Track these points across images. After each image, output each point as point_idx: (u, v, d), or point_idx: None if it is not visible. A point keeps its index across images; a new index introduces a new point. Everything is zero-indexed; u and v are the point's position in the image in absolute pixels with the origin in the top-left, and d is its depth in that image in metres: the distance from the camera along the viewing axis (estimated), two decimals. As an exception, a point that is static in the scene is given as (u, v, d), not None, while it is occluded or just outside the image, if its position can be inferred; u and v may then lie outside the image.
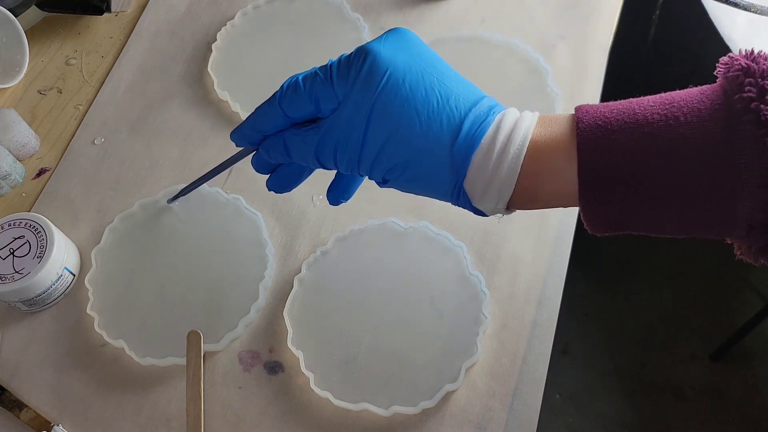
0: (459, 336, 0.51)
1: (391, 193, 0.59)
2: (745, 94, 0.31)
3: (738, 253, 0.35)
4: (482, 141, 0.35)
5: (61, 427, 0.51)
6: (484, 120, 0.35)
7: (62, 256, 0.55)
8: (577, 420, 1.21)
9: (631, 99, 0.35)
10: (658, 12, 0.91)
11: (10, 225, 0.55)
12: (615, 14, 0.67)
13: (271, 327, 0.54)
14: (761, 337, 1.23)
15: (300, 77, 0.39)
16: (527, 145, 0.35)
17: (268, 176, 0.45)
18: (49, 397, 0.53)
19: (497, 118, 0.36)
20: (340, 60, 0.38)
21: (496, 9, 0.69)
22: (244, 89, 0.66)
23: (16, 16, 0.68)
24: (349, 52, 0.38)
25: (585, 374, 1.24)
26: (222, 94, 0.66)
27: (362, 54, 0.37)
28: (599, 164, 0.33)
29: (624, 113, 0.34)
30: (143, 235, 0.59)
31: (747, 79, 0.31)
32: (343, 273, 0.55)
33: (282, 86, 0.40)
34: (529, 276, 0.54)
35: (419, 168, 0.37)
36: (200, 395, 0.51)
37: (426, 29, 0.68)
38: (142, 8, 0.74)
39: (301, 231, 0.58)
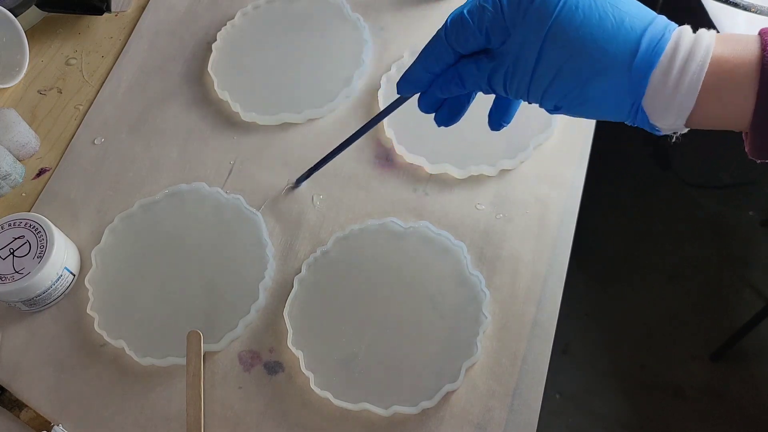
0: (459, 336, 0.51)
1: (391, 193, 0.59)
2: None
3: None
4: (661, 58, 0.35)
5: (61, 427, 0.51)
6: (661, 38, 0.35)
7: (62, 256, 0.55)
8: (577, 420, 1.21)
9: None
10: (658, 12, 0.91)
11: (10, 225, 0.55)
12: (615, 14, 0.67)
13: (271, 327, 0.54)
14: (761, 337, 1.23)
15: (464, 11, 0.39)
16: (709, 60, 0.35)
17: (432, 115, 0.47)
18: (49, 397, 0.53)
19: (674, 35, 0.36)
20: None
21: (496, 9, 0.69)
22: (244, 89, 0.66)
23: (16, 16, 0.68)
24: None
25: (585, 374, 1.24)
26: (222, 94, 0.66)
27: None
28: None
29: None
30: (143, 235, 0.59)
31: None
32: (343, 273, 0.55)
33: (446, 23, 0.40)
34: (529, 276, 0.54)
35: (595, 91, 0.37)
36: (200, 395, 0.51)
37: (426, 29, 0.68)
38: (142, 8, 0.74)
39: (301, 231, 0.58)
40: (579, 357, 1.26)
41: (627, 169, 1.43)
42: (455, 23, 0.39)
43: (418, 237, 0.56)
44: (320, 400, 0.50)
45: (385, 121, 0.61)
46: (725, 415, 1.18)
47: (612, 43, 0.36)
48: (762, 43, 0.35)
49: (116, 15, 0.74)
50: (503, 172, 0.59)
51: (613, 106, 0.37)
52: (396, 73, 0.64)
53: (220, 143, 0.64)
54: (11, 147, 0.63)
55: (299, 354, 0.51)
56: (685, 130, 0.38)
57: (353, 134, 0.54)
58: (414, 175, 0.60)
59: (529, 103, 0.41)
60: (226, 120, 0.65)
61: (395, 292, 0.53)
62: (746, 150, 0.37)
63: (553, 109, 0.39)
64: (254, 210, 0.59)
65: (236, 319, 0.53)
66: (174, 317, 0.54)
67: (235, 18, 0.70)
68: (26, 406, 0.52)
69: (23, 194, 0.64)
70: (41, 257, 0.54)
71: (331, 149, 0.56)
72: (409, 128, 0.61)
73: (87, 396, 0.53)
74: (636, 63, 0.35)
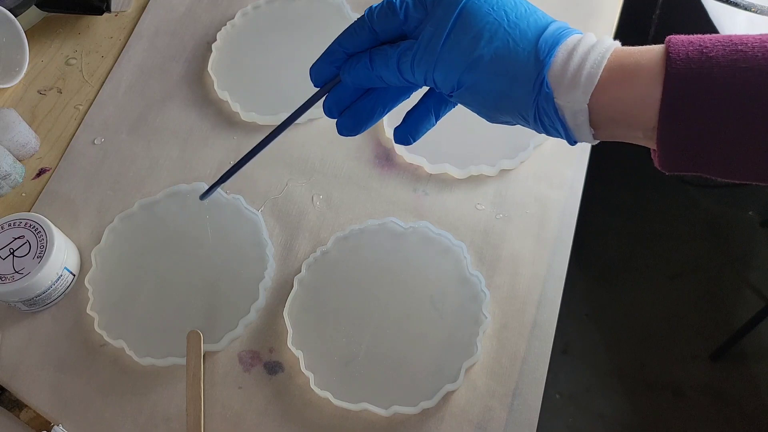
0: (459, 336, 0.51)
1: (391, 193, 0.59)
2: None
3: None
4: (568, 39, 0.37)
5: (61, 427, 0.51)
6: (569, 29, 0.38)
7: (62, 256, 0.55)
8: (577, 420, 1.21)
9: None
10: (658, 12, 0.91)
11: (10, 225, 0.55)
12: (615, 14, 0.67)
13: (271, 327, 0.54)
14: (761, 337, 1.23)
15: None
16: (614, 48, 0.36)
17: (335, 121, 0.46)
18: (49, 397, 0.53)
19: (580, 33, 0.38)
20: None
21: (496, 9, 0.69)
22: (244, 89, 0.66)
23: (16, 16, 0.68)
24: None
25: (585, 374, 1.24)
26: (222, 94, 0.66)
27: None
28: (688, 71, 0.33)
29: (719, 38, 0.34)
30: (143, 235, 0.59)
31: None
32: (343, 273, 0.55)
33: (370, 7, 0.41)
34: (529, 276, 0.54)
35: (500, 62, 0.37)
36: (200, 395, 0.51)
37: (426, 29, 0.68)
38: (142, 8, 0.74)
39: (301, 231, 0.58)
40: (579, 357, 1.26)
41: (627, 169, 1.43)
42: (380, 4, 0.41)
43: (418, 237, 0.56)
44: (320, 400, 0.50)
45: (385, 121, 0.61)
46: (725, 415, 1.18)
47: (523, 21, 0.37)
48: (666, 41, 0.36)
49: (116, 15, 0.74)
50: (503, 172, 0.59)
51: (517, 78, 0.37)
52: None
53: (220, 143, 0.64)
54: (11, 147, 0.63)
55: (299, 354, 0.51)
56: (593, 140, 0.38)
57: (266, 137, 0.48)
58: (414, 175, 0.60)
59: (435, 86, 0.40)
60: (226, 120, 0.65)
61: (395, 292, 0.53)
62: (655, 164, 0.37)
63: (456, 87, 0.39)
64: (254, 210, 0.59)
65: (236, 319, 0.53)
66: (174, 317, 0.54)
67: (235, 18, 0.70)
68: (26, 406, 0.52)
69: (23, 194, 0.64)
70: (41, 257, 0.54)
71: (242, 156, 0.49)
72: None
73: (87, 396, 0.53)
74: (543, 38, 0.37)
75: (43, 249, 0.54)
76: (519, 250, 0.55)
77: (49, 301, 0.56)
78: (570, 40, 0.37)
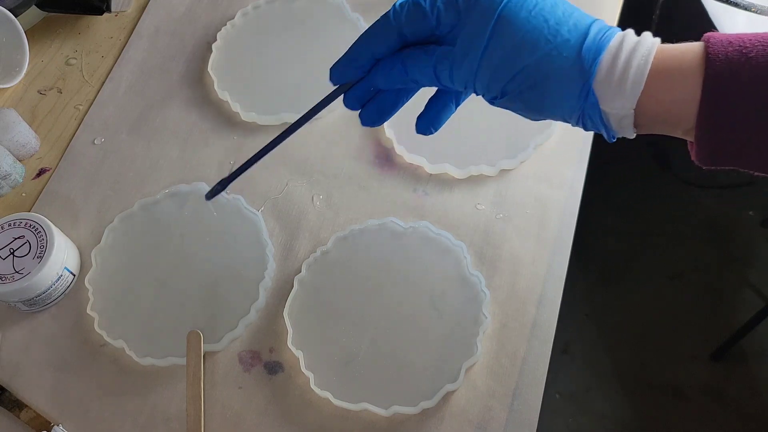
0: (459, 336, 0.51)
1: (391, 193, 0.59)
2: None
3: None
4: (611, 42, 0.36)
5: (61, 427, 0.51)
6: (610, 28, 0.37)
7: (62, 256, 0.55)
8: (577, 420, 1.21)
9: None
10: (658, 12, 0.91)
11: (10, 225, 0.55)
12: (615, 14, 0.67)
13: (271, 327, 0.54)
14: (761, 337, 1.23)
15: None
16: (656, 47, 0.36)
17: (358, 112, 0.44)
18: (49, 397, 0.53)
19: (621, 31, 0.37)
20: None
21: (496, 9, 0.69)
22: (244, 89, 0.66)
23: (16, 16, 0.68)
24: None
25: (585, 374, 1.24)
26: (222, 94, 0.66)
27: None
28: (727, 72, 0.33)
29: (758, 37, 0.34)
30: (143, 235, 0.59)
31: None
32: (343, 273, 0.55)
33: (394, 5, 0.39)
34: (529, 276, 0.54)
35: (544, 74, 0.37)
36: (200, 395, 0.51)
37: (426, 29, 0.68)
38: (143, 8, 0.74)
39: (301, 231, 0.58)
40: (579, 357, 1.26)
41: (627, 169, 1.42)
42: (404, 3, 0.39)
43: (418, 237, 0.56)
44: (320, 400, 0.50)
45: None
46: (725, 415, 1.18)
47: (564, 27, 0.36)
48: (705, 39, 0.36)
49: (116, 15, 0.74)
50: (503, 172, 0.59)
51: (562, 89, 0.37)
52: (396, 73, 0.64)
53: (220, 143, 0.64)
54: (11, 147, 0.63)
55: (299, 354, 0.51)
56: (633, 135, 0.38)
57: (277, 137, 0.46)
58: (414, 175, 0.60)
59: (476, 92, 0.40)
60: (226, 120, 0.65)
61: (395, 292, 0.53)
62: (692, 157, 0.37)
63: (500, 95, 0.38)
64: (254, 210, 0.59)
65: (236, 319, 0.53)
66: (174, 317, 0.54)
67: (235, 18, 0.70)
68: (26, 406, 0.52)
69: (23, 194, 0.64)
70: (41, 257, 0.54)
71: (252, 155, 0.47)
72: (410, 128, 0.61)
73: (87, 396, 0.53)
74: (587, 45, 0.36)
75: (43, 249, 0.54)
76: (519, 250, 0.55)
77: (49, 301, 0.56)
78: (612, 44, 0.36)
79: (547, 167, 0.59)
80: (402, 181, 0.60)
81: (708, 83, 0.34)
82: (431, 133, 0.45)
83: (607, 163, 1.41)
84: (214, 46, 0.69)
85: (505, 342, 0.52)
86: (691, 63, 0.35)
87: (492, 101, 0.39)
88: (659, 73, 0.35)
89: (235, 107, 0.64)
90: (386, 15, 0.40)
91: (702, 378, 1.22)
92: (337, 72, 0.42)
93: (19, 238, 0.55)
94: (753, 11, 0.67)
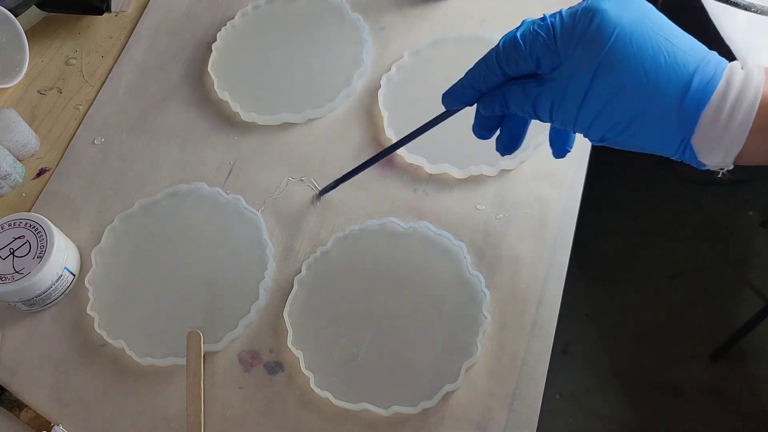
0: (459, 336, 0.51)
1: (391, 193, 0.59)
2: None
3: None
4: (712, 97, 0.35)
5: (61, 427, 0.51)
6: (713, 75, 0.35)
7: (62, 256, 0.55)
8: (577, 420, 1.21)
9: None
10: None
11: (10, 225, 0.55)
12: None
13: (271, 327, 0.54)
14: (761, 337, 1.23)
15: (518, 34, 0.39)
16: (759, 99, 0.34)
17: (482, 141, 0.47)
18: (49, 397, 0.53)
19: (725, 73, 0.36)
20: (562, 18, 0.38)
21: (496, 9, 0.69)
22: (244, 89, 0.66)
23: (16, 16, 0.68)
24: (571, 8, 0.38)
25: (585, 374, 1.24)
26: (222, 94, 0.66)
27: (589, 13, 0.37)
28: None
29: None
30: (143, 235, 0.59)
31: None
32: (343, 273, 0.55)
33: (498, 45, 0.40)
34: (529, 276, 0.54)
35: (644, 126, 0.37)
36: (200, 395, 0.51)
37: (426, 29, 0.68)
38: (143, 8, 0.74)
39: (301, 231, 0.58)
40: (579, 357, 1.26)
41: (627, 169, 1.43)
42: (507, 45, 0.39)
43: (418, 237, 0.56)
44: (320, 400, 0.50)
45: (385, 121, 0.61)
46: (725, 415, 1.18)
47: (664, 78, 0.35)
48: None
49: (116, 15, 0.74)
50: (503, 172, 0.59)
51: (661, 141, 0.37)
52: (396, 73, 0.64)
53: (220, 143, 0.64)
54: (11, 147, 0.63)
55: (299, 354, 0.51)
56: (732, 167, 0.38)
57: (388, 148, 0.54)
58: (414, 175, 0.60)
59: (574, 132, 0.40)
60: (226, 120, 0.65)
61: (395, 292, 0.53)
62: None
63: (599, 141, 0.39)
64: (254, 210, 0.59)
65: (236, 319, 0.53)
66: (174, 317, 0.54)
67: (235, 18, 0.70)
68: (26, 406, 0.52)
69: (23, 194, 0.64)
70: (41, 257, 0.54)
71: (361, 162, 0.56)
72: (409, 128, 0.61)
73: (87, 396, 0.53)
74: (687, 100, 0.35)
75: (43, 249, 0.54)
76: (519, 250, 0.55)
77: (49, 301, 0.56)
78: (715, 96, 0.35)
79: (547, 167, 0.59)
80: (402, 181, 0.60)
81: None
82: (567, 153, 0.46)
83: (607, 163, 1.41)
84: (213, 46, 0.69)
85: (505, 342, 0.52)
86: None
87: (594, 143, 0.41)
88: (761, 131, 0.34)
89: (235, 107, 0.64)
90: (489, 54, 0.41)
91: (702, 378, 1.22)
92: (445, 102, 0.46)
93: (19, 238, 0.55)
94: (753, 11, 0.67)
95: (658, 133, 0.37)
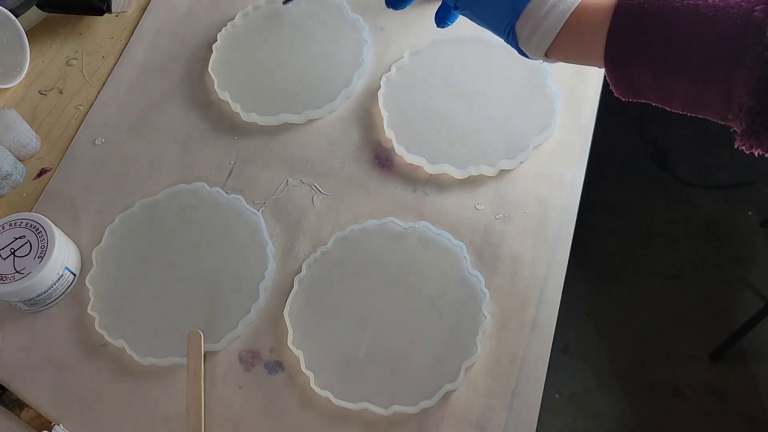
0: (459, 336, 0.51)
1: (392, 193, 0.59)
2: None
3: (737, 144, 0.39)
4: None
5: (61, 427, 0.51)
6: None
7: (63, 256, 0.55)
8: (577, 420, 1.21)
9: None
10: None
11: (11, 225, 0.55)
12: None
13: (271, 327, 0.54)
14: (761, 337, 1.23)
15: None
16: (576, 6, 0.43)
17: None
18: (50, 397, 0.53)
19: None
20: None
21: (495, 9, 0.69)
22: (244, 89, 0.66)
23: (16, 17, 0.68)
24: None
25: (585, 374, 1.24)
26: (222, 94, 0.66)
27: None
28: (625, 29, 0.40)
29: None
30: (144, 235, 0.59)
31: None
32: (343, 273, 0.55)
33: None
34: (529, 276, 0.54)
35: (487, 2, 0.46)
36: (200, 395, 0.51)
37: (426, 29, 0.68)
38: (143, 9, 0.75)
39: (301, 231, 0.58)
40: (579, 357, 1.26)
41: (626, 169, 1.43)
42: None
43: (418, 237, 0.56)
44: (320, 400, 0.50)
45: (385, 121, 0.61)
46: (725, 415, 1.18)
47: None
48: None
49: (117, 15, 0.75)
50: (503, 172, 0.59)
51: (495, 18, 0.46)
52: (396, 73, 0.64)
53: (220, 143, 0.64)
54: (12, 147, 0.63)
55: (299, 354, 0.51)
56: (543, 61, 0.47)
57: None
58: (414, 176, 0.60)
59: None
60: (226, 120, 0.65)
61: (395, 292, 0.54)
62: (612, 89, 0.43)
63: (454, 6, 0.48)
64: (254, 210, 0.59)
65: (236, 319, 0.53)
66: (174, 317, 0.54)
67: (236, 18, 0.70)
68: (27, 405, 0.52)
69: (24, 194, 0.64)
70: (42, 257, 0.54)
71: None
72: (409, 129, 0.61)
73: (87, 396, 0.53)
74: None
75: (44, 249, 0.54)
76: (519, 250, 0.55)
77: (49, 301, 0.56)
78: None
79: (547, 167, 0.59)
80: (402, 181, 0.60)
81: (616, 17, 0.40)
82: (447, 25, 0.53)
83: (607, 164, 1.41)
84: (214, 46, 0.69)
85: (504, 342, 0.52)
86: (601, 23, 0.41)
87: (454, 8, 0.49)
88: (571, 32, 0.42)
89: (235, 107, 0.65)
90: None
91: (701, 378, 1.22)
92: None
93: (20, 238, 0.55)
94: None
95: (494, 11, 0.46)
